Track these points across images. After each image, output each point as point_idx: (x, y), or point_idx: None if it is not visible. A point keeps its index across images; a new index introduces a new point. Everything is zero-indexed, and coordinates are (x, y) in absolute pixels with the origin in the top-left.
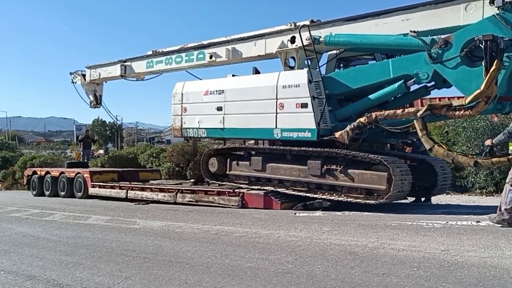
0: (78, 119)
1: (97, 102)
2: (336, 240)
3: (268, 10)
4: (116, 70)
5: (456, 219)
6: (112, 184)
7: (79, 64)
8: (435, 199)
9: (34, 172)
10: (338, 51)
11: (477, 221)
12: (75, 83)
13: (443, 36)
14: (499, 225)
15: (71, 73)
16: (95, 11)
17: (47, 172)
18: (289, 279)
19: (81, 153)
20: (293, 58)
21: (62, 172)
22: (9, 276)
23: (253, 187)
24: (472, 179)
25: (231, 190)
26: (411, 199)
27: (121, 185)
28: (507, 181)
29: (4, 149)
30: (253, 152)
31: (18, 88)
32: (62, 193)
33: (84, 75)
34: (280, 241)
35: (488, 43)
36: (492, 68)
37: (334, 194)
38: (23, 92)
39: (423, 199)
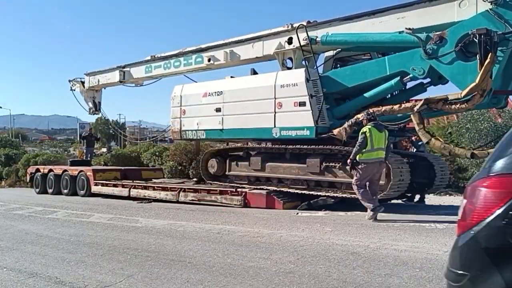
0: (81, 117)
1: (96, 108)
2: (338, 240)
3: (265, 13)
4: (115, 76)
5: None
6: (115, 183)
7: (80, 64)
8: (437, 200)
9: (37, 170)
10: (334, 51)
11: None
12: (74, 90)
13: (437, 32)
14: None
15: (70, 81)
16: (96, 11)
17: (50, 170)
18: (291, 279)
19: (84, 151)
20: (290, 59)
21: (65, 170)
22: (12, 273)
23: (253, 187)
24: None
25: (234, 190)
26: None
27: (123, 183)
28: (353, 183)
29: (8, 146)
30: (252, 152)
31: (21, 86)
32: (65, 191)
33: (83, 82)
34: (282, 240)
35: (482, 36)
36: (487, 61)
37: (335, 191)
38: (26, 90)
39: (416, 198)
